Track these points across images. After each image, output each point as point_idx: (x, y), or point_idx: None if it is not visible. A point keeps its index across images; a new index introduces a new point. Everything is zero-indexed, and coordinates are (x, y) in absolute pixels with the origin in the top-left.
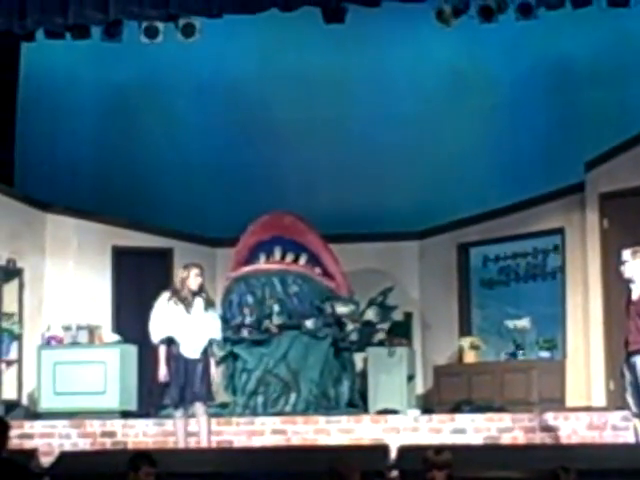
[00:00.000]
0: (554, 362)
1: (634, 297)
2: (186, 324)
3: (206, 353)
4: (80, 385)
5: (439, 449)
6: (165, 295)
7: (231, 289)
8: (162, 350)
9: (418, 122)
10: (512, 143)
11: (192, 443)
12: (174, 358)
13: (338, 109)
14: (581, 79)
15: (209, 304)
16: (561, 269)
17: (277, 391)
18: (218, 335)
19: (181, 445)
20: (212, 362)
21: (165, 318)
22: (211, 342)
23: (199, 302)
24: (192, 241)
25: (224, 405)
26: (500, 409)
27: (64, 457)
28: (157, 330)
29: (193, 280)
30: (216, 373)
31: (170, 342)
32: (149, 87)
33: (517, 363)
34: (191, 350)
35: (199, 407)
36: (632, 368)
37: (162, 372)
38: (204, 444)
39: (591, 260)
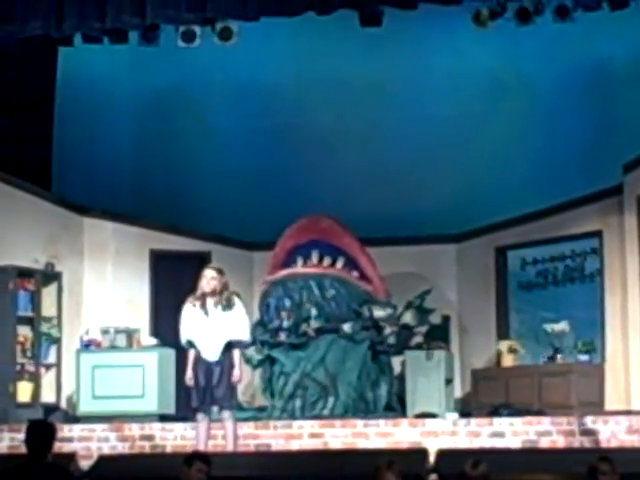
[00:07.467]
0: (593, 365)
1: None
2: (204, 327)
3: (226, 355)
4: (118, 389)
5: (476, 462)
6: (188, 299)
7: (268, 293)
8: (189, 354)
9: (455, 125)
10: (550, 145)
11: (211, 447)
12: (196, 361)
13: (375, 113)
14: (619, 81)
15: (229, 305)
16: (599, 272)
17: (315, 395)
18: (241, 336)
19: (201, 448)
20: (236, 364)
21: (186, 322)
22: (232, 343)
23: (217, 304)
24: (229, 245)
25: (262, 408)
26: (539, 413)
27: (103, 461)
28: (181, 334)
29: (206, 282)
30: (239, 376)
31: (193, 346)
32: (186, 91)
33: (555, 367)
34: (210, 353)
35: (224, 411)
36: None
37: (187, 376)
38: (230, 448)
39: (629, 263)
